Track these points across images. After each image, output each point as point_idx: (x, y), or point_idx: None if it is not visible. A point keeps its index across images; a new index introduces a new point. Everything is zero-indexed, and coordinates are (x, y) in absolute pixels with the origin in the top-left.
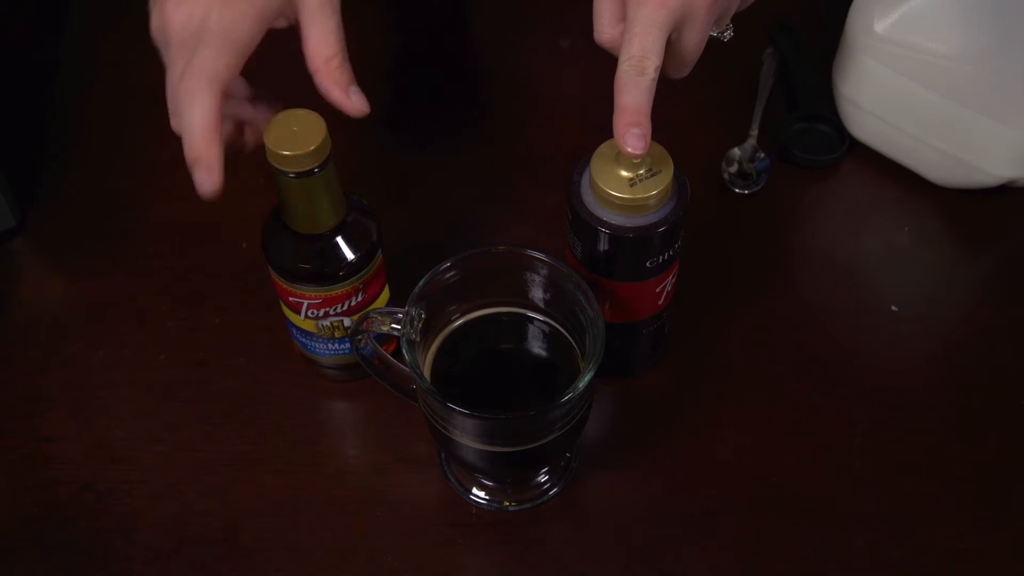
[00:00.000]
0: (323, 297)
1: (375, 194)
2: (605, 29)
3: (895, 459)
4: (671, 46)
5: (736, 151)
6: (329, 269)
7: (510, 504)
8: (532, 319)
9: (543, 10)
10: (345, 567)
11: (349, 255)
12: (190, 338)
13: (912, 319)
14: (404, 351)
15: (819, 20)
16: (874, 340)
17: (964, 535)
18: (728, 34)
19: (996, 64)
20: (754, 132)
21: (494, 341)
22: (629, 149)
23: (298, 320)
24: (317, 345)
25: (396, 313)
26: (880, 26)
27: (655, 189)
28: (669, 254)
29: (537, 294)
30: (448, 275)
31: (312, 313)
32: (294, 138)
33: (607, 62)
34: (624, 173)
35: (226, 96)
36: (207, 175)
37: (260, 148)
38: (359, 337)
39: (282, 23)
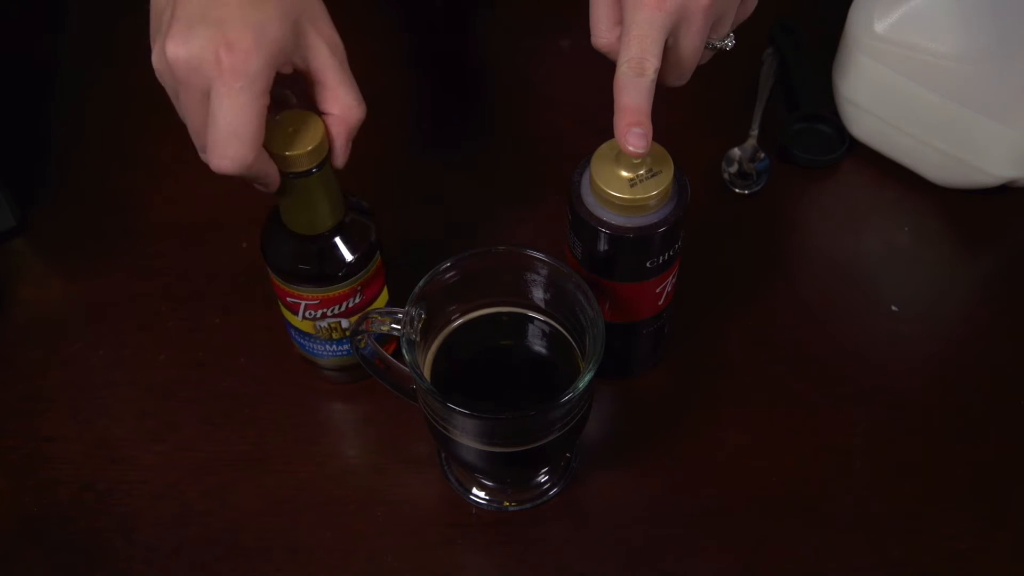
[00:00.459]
0: (321, 298)
1: (375, 194)
2: (602, 34)
3: (895, 459)
4: (669, 52)
5: (736, 151)
6: (327, 270)
7: (510, 504)
8: (532, 319)
9: (543, 10)
10: (345, 567)
11: (347, 256)
12: (190, 338)
13: (912, 319)
14: (404, 351)
15: (819, 20)
16: (874, 340)
17: (964, 535)
18: (730, 43)
19: (996, 64)
20: (754, 132)
21: (494, 341)
22: (630, 148)
23: (296, 321)
24: (315, 346)
25: (396, 313)
26: (880, 26)
27: (655, 189)
28: (669, 254)
29: (537, 294)
30: (448, 275)
31: (310, 314)
32: (292, 139)
33: (607, 62)
34: (624, 173)
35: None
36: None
37: None
38: (359, 337)
39: (288, 69)
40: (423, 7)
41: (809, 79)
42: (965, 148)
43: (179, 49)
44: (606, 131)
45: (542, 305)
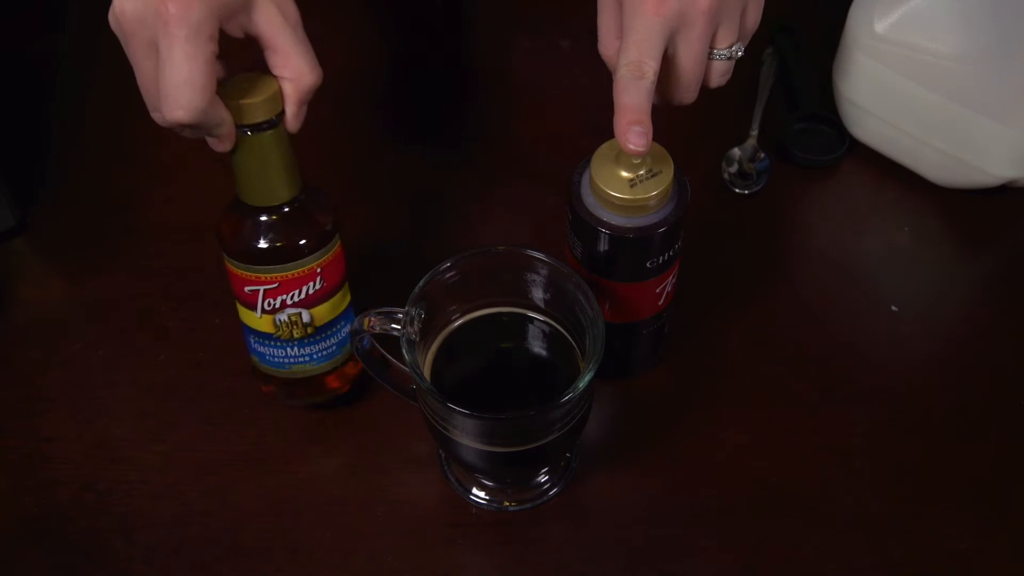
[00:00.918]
0: (280, 280)
1: (374, 193)
2: (610, 43)
3: (895, 459)
4: (670, 62)
5: (736, 151)
6: (285, 244)
7: (510, 504)
8: (532, 319)
9: (543, 10)
10: (345, 567)
11: (305, 230)
12: (190, 338)
13: (912, 319)
14: (404, 351)
15: (819, 20)
16: (874, 340)
17: (964, 535)
18: (740, 52)
19: (996, 64)
20: (754, 132)
21: (494, 341)
22: (631, 146)
23: (254, 320)
24: (276, 352)
25: (396, 313)
26: (880, 26)
27: (655, 190)
28: (669, 254)
29: (537, 294)
30: (448, 275)
31: (269, 304)
32: (246, 91)
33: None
34: (624, 174)
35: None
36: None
37: None
38: (359, 337)
39: (237, 31)
40: (423, 7)
41: (809, 79)
42: (965, 148)
43: (126, 3)
44: (606, 131)
45: (542, 305)
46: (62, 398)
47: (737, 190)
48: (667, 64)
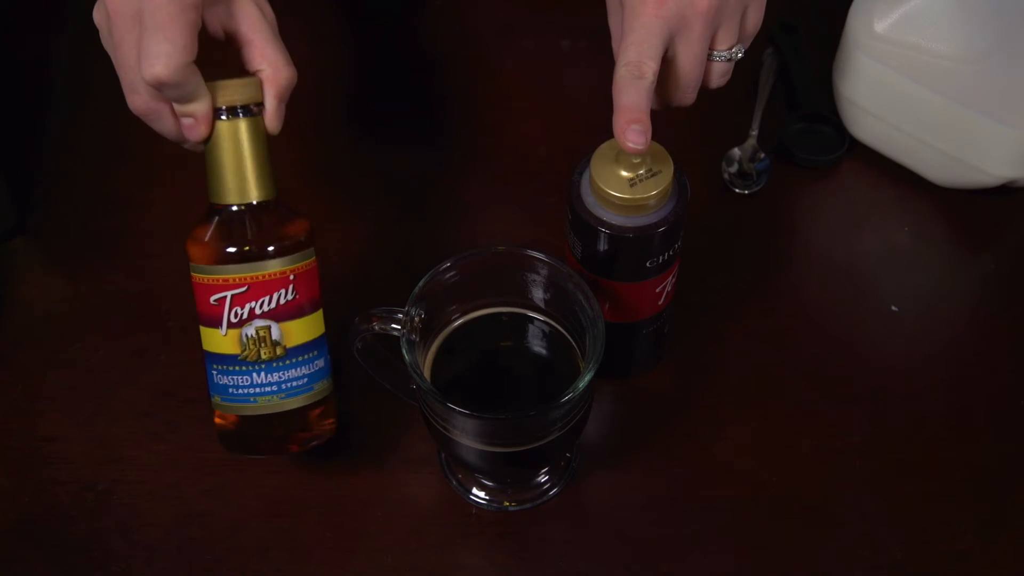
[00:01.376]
0: (249, 283)
1: (374, 194)
2: (618, 43)
3: (895, 459)
4: (670, 64)
5: (736, 151)
6: (255, 241)
7: (510, 504)
8: (532, 319)
9: (543, 10)
10: (345, 567)
11: (277, 234)
12: (190, 338)
13: (912, 319)
14: (404, 351)
15: (819, 20)
16: (874, 340)
17: (964, 535)
18: (740, 54)
19: (996, 64)
20: (754, 132)
21: (494, 341)
22: (630, 145)
23: (218, 340)
24: (239, 382)
25: (396, 313)
26: (880, 26)
27: (655, 189)
28: (669, 254)
29: (537, 294)
30: (448, 275)
31: (236, 315)
32: (224, 79)
33: (607, 62)
34: (624, 173)
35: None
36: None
37: None
38: (359, 337)
39: (218, 31)
40: (423, 7)
41: (809, 79)
42: (965, 148)
43: None
44: (606, 131)
45: (542, 305)
46: (62, 398)
47: (737, 190)
48: (666, 65)
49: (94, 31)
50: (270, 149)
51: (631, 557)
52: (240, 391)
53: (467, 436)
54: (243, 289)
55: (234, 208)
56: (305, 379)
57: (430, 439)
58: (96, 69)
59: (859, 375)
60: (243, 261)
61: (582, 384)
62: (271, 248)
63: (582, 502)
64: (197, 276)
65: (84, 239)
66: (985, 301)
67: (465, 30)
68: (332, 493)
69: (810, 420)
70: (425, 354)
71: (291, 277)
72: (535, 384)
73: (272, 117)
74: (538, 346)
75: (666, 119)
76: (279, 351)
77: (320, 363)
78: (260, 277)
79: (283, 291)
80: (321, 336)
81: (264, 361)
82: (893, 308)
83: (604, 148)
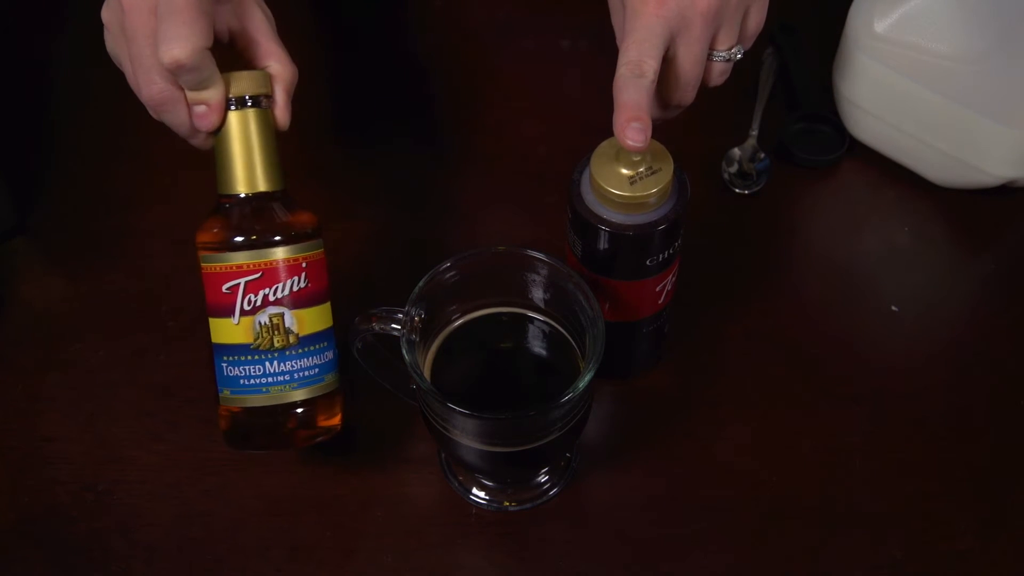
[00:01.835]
0: (263, 269)
1: (374, 193)
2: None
3: (895, 459)
4: (670, 63)
5: (736, 151)
6: (268, 228)
7: (510, 504)
8: (532, 319)
9: (543, 10)
10: (345, 567)
11: (288, 223)
12: (190, 338)
13: (912, 319)
14: (404, 351)
15: (819, 20)
16: (874, 340)
17: (964, 535)
18: (739, 54)
19: (996, 64)
20: (754, 132)
21: (494, 341)
22: (630, 142)
23: (231, 331)
24: (251, 372)
25: (396, 313)
26: (880, 26)
27: (655, 187)
28: (669, 252)
29: (537, 294)
30: (448, 275)
31: (249, 302)
32: (235, 72)
33: (607, 62)
34: (624, 171)
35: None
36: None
37: None
38: (359, 337)
39: (223, 33)
40: (423, 7)
41: (809, 79)
42: (965, 148)
43: None
44: (606, 130)
45: (542, 305)
46: (62, 398)
47: (737, 190)
48: (667, 64)
49: (94, 31)
50: (278, 141)
51: (631, 557)
52: (252, 381)
53: (467, 436)
54: (257, 275)
55: (245, 196)
56: (316, 369)
57: (430, 439)
58: (96, 69)
59: (859, 375)
60: (257, 247)
61: (582, 384)
62: (284, 235)
63: (582, 502)
64: (208, 265)
65: (84, 239)
66: (985, 301)
67: (465, 30)
68: (332, 493)
69: (810, 420)
70: (425, 354)
71: (303, 265)
72: (535, 384)
73: (283, 111)
74: (538, 346)
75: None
76: (292, 339)
77: (329, 354)
78: (274, 263)
79: (296, 278)
80: (331, 328)
81: (277, 349)
82: (893, 308)
83: (604, 146)
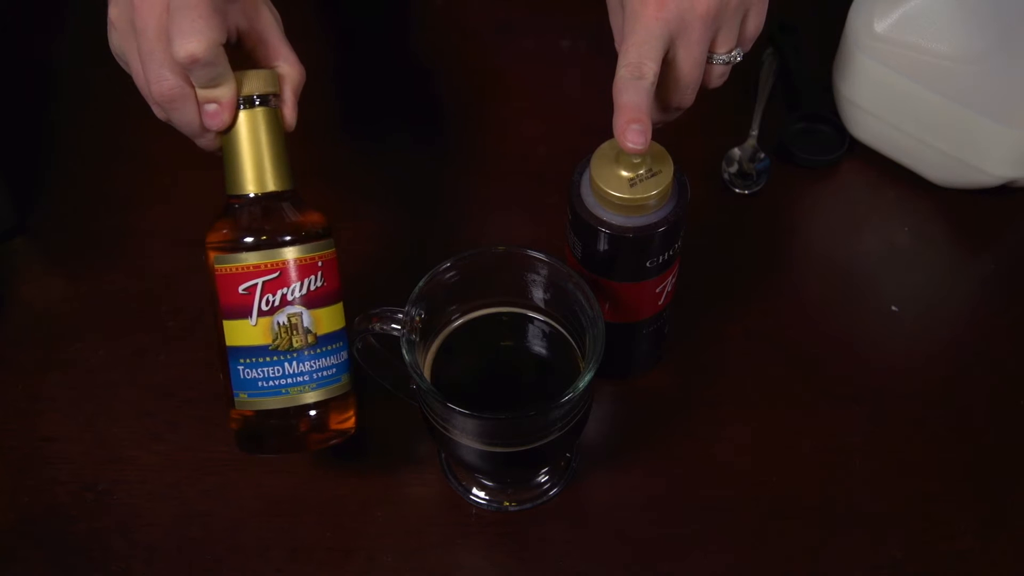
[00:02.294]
0: (281, 268)
1: (374, 194)
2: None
3: (895, 459)
4: (669, 66)
5: (736, 151)
6: (285, 225)
7: (510, 504)
8: (532, 319)
9: (543, 10)
10: (345, 567)
11: (301, 221)
12: (190, 338)
13: (912, 319)
14: (404, 351)
15: (819, 20)
16: (874, 340)
17: (964, 535)
18: (739, 57)
19: (996, 64)
20: (754, 132)
21: (494, 341)
22: (630, 144)
23: (247, 332)
24: (270, 373)
25: (396, 313)
26: (880, 26)
27: (655, 189)
28: (669, 254)
29: (537, 294)
30: (448, 275)
31: (267, 302)
32: (243, 71)
33: (607, 63)
34: (624, 173)
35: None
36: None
37: None
38: (359, 337)
39: (232, 32)
40: (423, 7)
41: (809, 79)
42: (965, 148)
43: None
44: (606, 131)
45: (542, 305)
46: (62, 398)
47: (737, 190)
48: (666, 67)
49: (94, 31)
50: (287, 141)
51: (631, 557)
52: (271, 383)
53: (467, 436)
54: (275, 275)
55: (255, 196)
56: (334, 369)
57: (430, 439)
58: (96, 69)
59: (859, 375)
60: (273, 247)
61: (582, 384)
62: (299, 233)
63: (582, 502)
64: (223, 267)
65: (84, 239)
66: (985, 301)
67: (465, 30)
68: (332, 493)
69: (810, 420)
70: (425, 354)
71: (319, 264)
72: (535, 384)
73: (291, 111)
74: (538, 346)
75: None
76: (310, 339)
77: (344, 355)
78: (291, 263)
79: (313, 277)
80: (344, 328)
81: (296, 350)
82: (893, 308)
83: (604, 148)
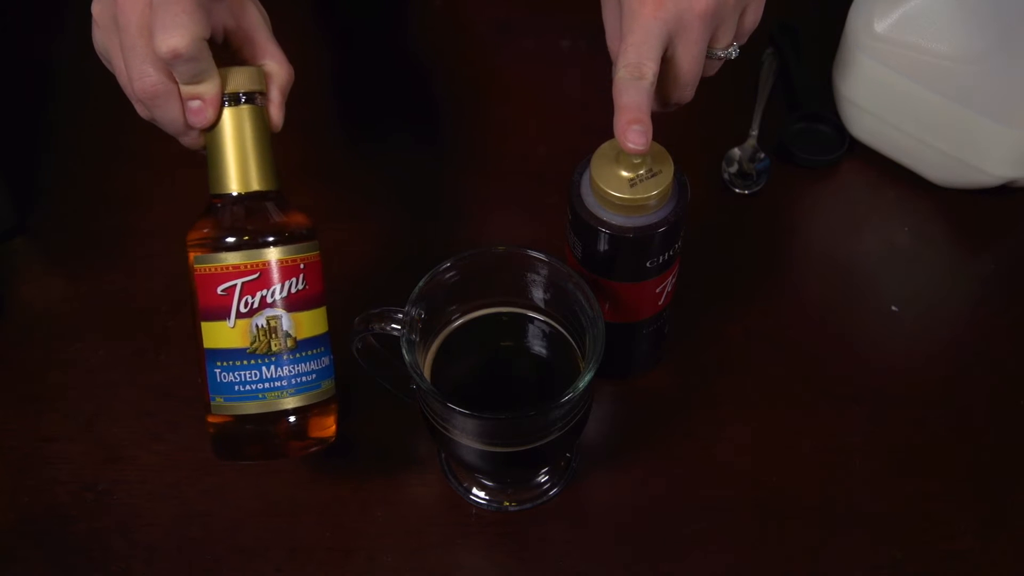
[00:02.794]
0: (260, 269)
1: (374, 193)
2: (613, 42)
3: (895, 459)
4: (668, 63)
5: (736, 151)
6: (263, 228)
7: (510, 504)
8: (532, 319)
9: (543, 10)
10: (345, 567)
11: (284, 222)
12: (190, 338)
13: (912, 319)
14: (404, 351)
15: (819, 20)
16: (874, 340)
17: (964, 535)
18: (734, 53)
19: (996, 64)
20: (754, 132)
21: (494, 341)
22: (630, 145)
23: (224, 334)
24: (248, 377)
25: (396, 313)
26: (880, 26)
27: (655, 189)
28: (669, 254)
29: (537, 294)
30: (448, 275)
31: (246, 304)
32: (229, 68)
33: (607, 62)
34: (624, 173)
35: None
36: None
37: None
38: (359, 337)
39: (219, 32)
40: (423, 7)
41: (809, 79)
42: (965, 148)
43: None
44: (606, 131)
45: (542, 305)
46: (62, 398)
47: (737, 190)
48: (665, 64)
49: None
50: (272, 141)
51: (631, 557)
52: (247, 387)
53: (467, 436)
54: (254, 276)
55: (238, 195)
56: (314, 375)
57: (430, 439)
58: (96, 69)
59: (859, 375)
60: (254, 247)
61: (582, 384)
62: (281, 234)
63: (582, 502)
64: (202, 267)
65: (84, 239)
66: (985, 301)
67: (465, 30)
68: (332, 493)
69: (810, 420)
70: (425, 354)
71: (301, 266)
72: (535, 384)
73: (277, 110)
74: (538, 346)
75: (666, 119)
76: (289, 343)
77: (326, 360)
78: (272, 264)
79: (294, 279)
80: (327, 333)
81: (274, 353)
82: (893, 308)
83: (604, 148)
